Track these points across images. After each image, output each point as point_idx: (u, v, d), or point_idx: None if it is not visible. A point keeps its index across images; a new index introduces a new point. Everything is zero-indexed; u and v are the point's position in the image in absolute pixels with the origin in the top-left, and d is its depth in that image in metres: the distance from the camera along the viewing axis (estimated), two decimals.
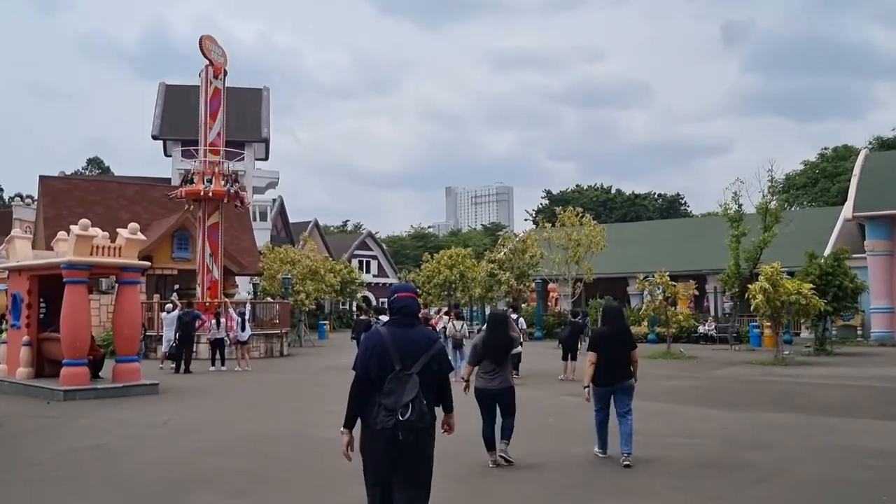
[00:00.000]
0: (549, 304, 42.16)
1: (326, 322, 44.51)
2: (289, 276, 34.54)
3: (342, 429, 4.53)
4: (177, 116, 45.11)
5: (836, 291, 25.22)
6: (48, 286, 15.46)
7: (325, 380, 18.08)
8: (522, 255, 37.86)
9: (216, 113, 26.06)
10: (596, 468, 8.08)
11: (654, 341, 31.19)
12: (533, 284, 39.15)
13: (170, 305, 21.69)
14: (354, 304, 53.68)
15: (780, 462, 8.34)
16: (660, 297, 26.14)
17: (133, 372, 14.99)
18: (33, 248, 28.78)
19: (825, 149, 65.95)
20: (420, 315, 21.54)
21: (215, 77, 26.17)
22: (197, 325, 20.74)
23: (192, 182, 25.46)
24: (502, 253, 39.28)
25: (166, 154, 48.83)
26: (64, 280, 14.20)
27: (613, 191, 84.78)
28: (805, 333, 31.46)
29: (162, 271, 30.52)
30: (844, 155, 60.26)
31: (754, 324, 30.52)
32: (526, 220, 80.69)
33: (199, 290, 25.93)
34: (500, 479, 7.63)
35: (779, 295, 21.81)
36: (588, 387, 8.27)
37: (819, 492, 7.17)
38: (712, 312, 37.90)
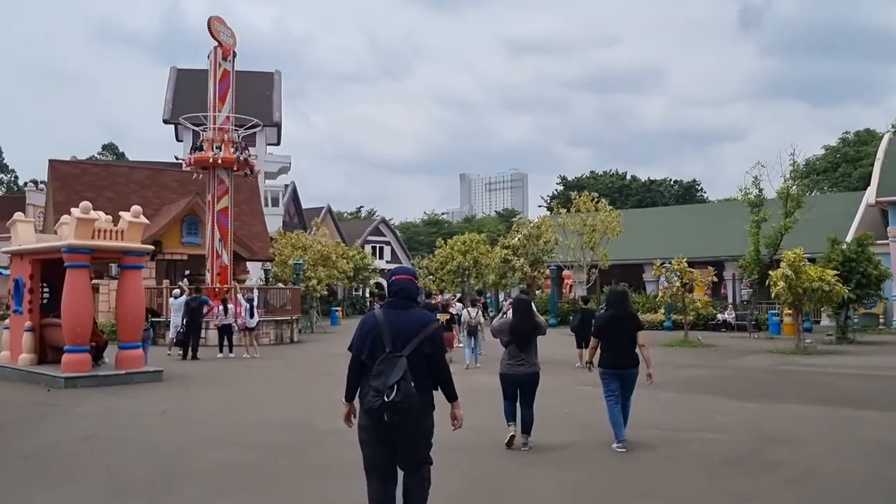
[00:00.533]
0: (564, 290, 41.64)
1: (339, 308, 44.21)
2: (300, 261, 34.17)
3: (343, 401, 4.83)
4: (188, 100, 44.59)
5: (859, 278, 24.54)
6: (51, 271, 15.09)
7: (333, 367, 17.62)
8: (537, 241, 37.27)
9: (225, 95, 25.58)
10: (618, 465, 7.59)
11: (671, 328, 30.65)
12: (547, 271, 38.59)
13: (177, 291, 21.34)
14: (367, 290, 53.37)
15: (810, 458, 7.83)
16: (677, 284, 25.53)
17: (136, 359, 14.63)
18: (43, 232, 28.79)
19: (846, 133, 64.72)
20: (436, 301, 21.31)
21: (224, 59, 25.67)
22: (205, 311, 20.40)
23: (201, 149, 25.10)
24: (516, 239, 38.71)
25: (178, 139, 48.51)
26: (65, 264, 13.84)
27: (629, 177, 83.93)
28: (825, 321, 30.78)
29: (171, 256, 30.26)
30: (866, 139, 59.09)
31: (773, 311, 29.89)
32: (540, 206, 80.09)
33: (208, 275, 25.60)
34: (517, 475, 7.17)
35: (801, 282, 21.17)
36: (591, 363, 8.49)
37: (854, 491, 6.65)
38: (730, 299, 37.22)
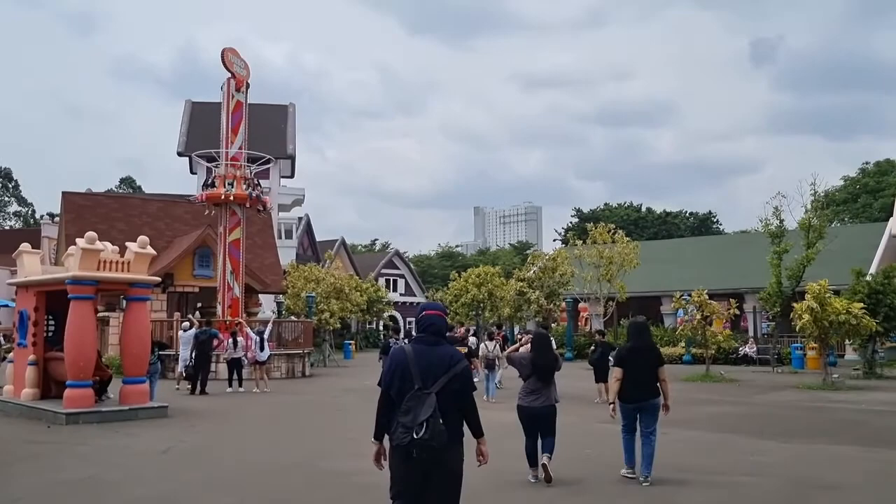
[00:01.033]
0: (580, 323, 40.95)
1: (352, 342, 43.69)
2: (312, 294, 33.78)
3: (372, 439, 4.68)
4: (203, 133, 44.74)
5: (887, 311, 23.80)
6: (56, 303, 14.70)
7: (345, 403, 17.16)
8: (553, 274, 36.73)
9: (238, 126, 25.45)
10: None
11: (690, 362, 29.92)
12: (563, 304, 37.98)
13: (186, 324, 20.92)
14: (381, 323, 52.86)
15: None
16: (698, 317, 24.87)
17: (141, 394, 14.18)
18: (56, 264, 28.59)
19: (866, 163, 63.89)
20: (458, 334, 21.11)
21: (237, 90, 25.58)
22: (214, 344, 19.97)
23: (213, 186, 24.86)
24: (532, 271, 38.17)
25: (192, 171, 48.55)
26: (69, 296, 13.48)
27: (644, 209, 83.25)
28: (850, 355, 29.93)
29: (183, 289, 29.94)
30: (886, 169, 58.34)
31: (796, 345, 29.11)
32: (555, 240, 79.46)
33: (219, 308, 25.23)
34: None
35: (827, 314, 20.51)
36: (613, 403, 8.20)
37: None
38: (751, 332, 36.40)
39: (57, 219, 48.13)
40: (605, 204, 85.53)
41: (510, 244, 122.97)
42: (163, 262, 29.35)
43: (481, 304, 39.23)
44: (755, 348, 31.53)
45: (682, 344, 31.94)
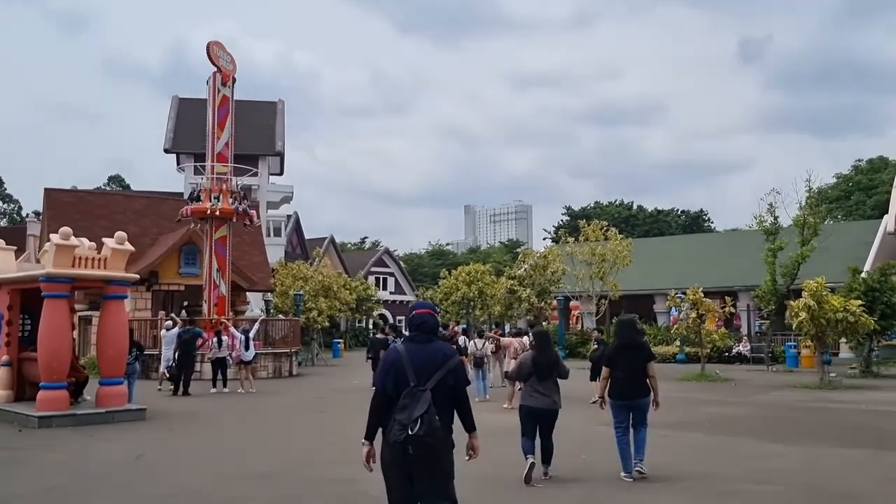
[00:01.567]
0: (571, 321, 40.53)
1: (341, 340, 43.15)
2: (300, 292, 33.22)
3: (363, 440, 4.64)
4: (190, 130, 44.10)
5: (883, 309, 23.45)
6: (32, 302, 14.12)
7: (331, 403, 16.63)
8: (544, 272, 36.26)
9: (224, 122, 24.89)
10: None
11: (684, 361, 29.53)
12: (555, 302, 37.54)
13: (169, 322, 20.34)
14: (371, 321, 52.36)
15: None
16: (693, 315, 24.44)
17: (118, 396, 13.62)
18: (38, 262, 27.92)
19: (859, 161, 63.71)
20: (449, 333, 20.64)
21: (223, 84, 25.02)
22: (198, 343, 19.40)
23: (198, 199, 24.24)
24: (523, 269, 37.70)
25: (179, 168, 47.87)
26: (42, 294, 12.91)
27: (635, 207, 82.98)
28: (844, 353, 29.60)
29: (168, 287, 29.32)
30: (879, 167, 58.16)
31: (790, 343, 28.77)
32: (545, 238, 79.01)
33: (205, 306, 24.66)
34: None
35: (824, 312, 20.14)
36: (602, 398, 8.27)
37: None
38: (744, 331, 36.04)
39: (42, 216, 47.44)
40: (596, 202, 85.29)
41: (501, 242, 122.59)
42: (148, 259, 28.74)
43: (472, 303, 38.74)
44: (749, 347, 31.16)
45: (677, 343, 31.55)
